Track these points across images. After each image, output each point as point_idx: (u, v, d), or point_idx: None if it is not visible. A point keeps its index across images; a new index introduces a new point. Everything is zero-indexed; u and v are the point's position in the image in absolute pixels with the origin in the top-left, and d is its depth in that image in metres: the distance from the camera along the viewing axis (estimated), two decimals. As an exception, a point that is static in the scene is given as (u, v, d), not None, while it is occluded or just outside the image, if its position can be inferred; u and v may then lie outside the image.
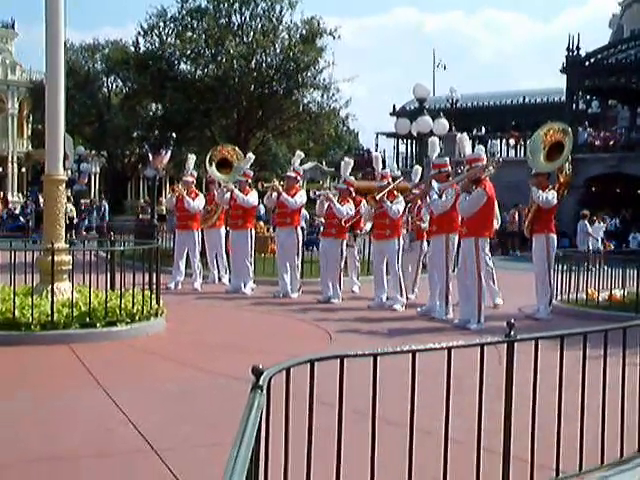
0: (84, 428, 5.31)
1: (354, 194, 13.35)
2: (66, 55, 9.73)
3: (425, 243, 12.58)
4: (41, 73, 35.65)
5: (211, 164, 14.13)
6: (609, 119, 35.52)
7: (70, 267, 9.27)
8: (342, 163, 13.53)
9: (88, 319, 8.53)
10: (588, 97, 34.39)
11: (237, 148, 14.93)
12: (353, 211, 12.58)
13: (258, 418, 2.54)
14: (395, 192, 11.95)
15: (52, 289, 8.52)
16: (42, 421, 5.46)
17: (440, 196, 10.68)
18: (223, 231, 14.23)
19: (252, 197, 13.53)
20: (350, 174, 13.85)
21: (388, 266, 11.86)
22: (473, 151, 10.92)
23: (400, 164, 36.78)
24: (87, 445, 4.94)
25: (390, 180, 12.12)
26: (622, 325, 4.60)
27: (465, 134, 11.52)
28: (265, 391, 2.77)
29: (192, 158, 14.85)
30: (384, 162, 19.49)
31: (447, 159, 11.88)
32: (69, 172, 24.37)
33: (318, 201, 13.04)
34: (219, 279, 14.59)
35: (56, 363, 7.50)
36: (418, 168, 13.14)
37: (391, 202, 11.64)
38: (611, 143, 30.93)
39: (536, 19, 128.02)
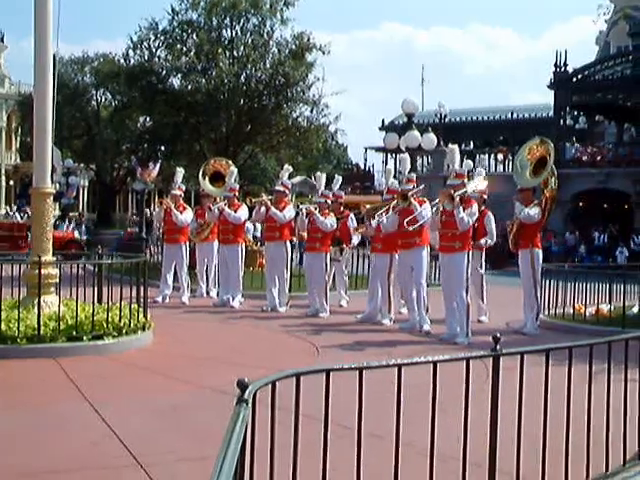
0: (69, 442, 5.28)
1: (342, 208, 13.40)
2: (55, 68, 9.72)
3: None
4: (30, 86, 35.57)
5: (204, 178, 14.19)
6: (596, 135, 35.79)
7: (57, 280, 9.23)
8: (316, 177, 13.66)
9: (75, 332, 8.49)
10: (575, 113, 34.65)
11: (230, 161, 14.99)
12: (335, 224, 12.60)
13: (243, 431, 2.54)
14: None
15: (39, 302, 8.49)
16: (27, 435, 5.43)
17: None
18: (216, 245, 14.19)
19: (242, 213, 13.52)
20: (340, 188, 13.94)
21: (380, 280, 11.82)
22: (461, 165, 10.94)
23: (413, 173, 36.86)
24: (72, 459, 4.91)
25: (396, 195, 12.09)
26: (607, 339, 4.62)
27: (456, 146, 11.53)
28: (250, 404, 2.77)
29: (180, 172, 14.86)
30: (373, 177, 19.72)
31: (414, 175, 11.97)
32: (57, 185, 24.30)
33: (300, 215, 13.05)
34: (207, 293, 14.57)
35: (42, 376, 7.46)
36: (394, 182, 13.13)
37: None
38: (598, 158, 31.18)
39: (524, 35, 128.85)
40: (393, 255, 11.72)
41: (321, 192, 13.13)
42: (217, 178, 14.12)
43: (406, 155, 12.69)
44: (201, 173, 14.39)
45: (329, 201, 12.95)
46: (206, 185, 14.13)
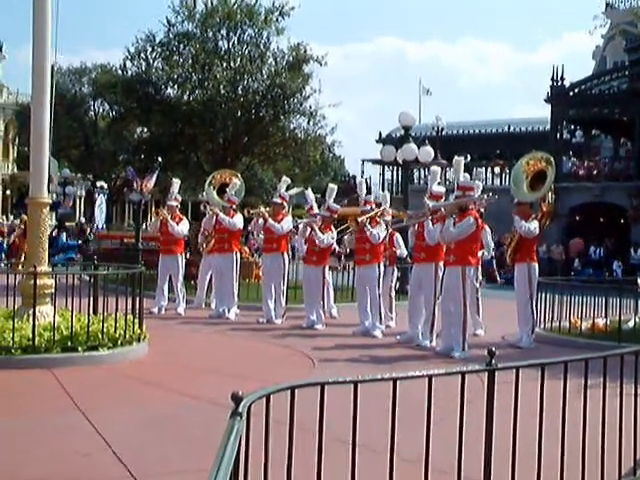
0: (62, 453, 5.25)
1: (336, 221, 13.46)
2: (53, 78, 9.74)
3: (395, 269, 13.05)
4: (28, 96, 35.64)
5: (212, 189, 14.22)
6: (593, 149, 35.90)
7: (52, 290, 9.21)
8: (328, 189, 13.57)
9: (70, 343, 8.47)
10: (572, 127, 34.77)
11: (237, 174, 15.03)
12: (335, 239, 12.64)
13: (236, 445, 2.53)
14: (377, 219, 11.97)
15: (34, 312, 8.47)
16: (20, 446, 5.40)
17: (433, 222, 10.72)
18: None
19: (237, 220, 13.55)
20: (335, 201, 13.93)
21: (369, 292, 11.83)
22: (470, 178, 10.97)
23: (386, 191, 36.92)
24: (65, 471, 4.88)
25: (374, 206, 12.21)
26: (603, 354, 4.62)
27: (462, 159, 11.51)
28: (244, 418, 2.76)
29: (177, 182, 14.87)
30: (369, 189, 19.65)
31: (444, 189, 11.83)
32: (54, 195, 24.31)
33: (300, 227, 13.05)
34: (207, 304, 14.52)
35: (36, 387, 7.44)
36: (386, 194, 13.26)
37: (372, 227, 11.68)
38: (595, 173, 31.28)
39: (519, 49, 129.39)
40: (379, 265, 11.79)
41: (328, 205, 13.08)
42: (224, 190, 14.14)
43: (437, 168, 12.49)
44: (208, 182, 14.47)
45: (335, 215, 12.99)
46: (213, 197, 14.13)
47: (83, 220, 39.85)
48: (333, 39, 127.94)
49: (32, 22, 9.06)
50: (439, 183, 11.79)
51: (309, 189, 14.42)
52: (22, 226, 24.33)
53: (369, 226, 11.65)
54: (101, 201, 17.30)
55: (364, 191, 12.91)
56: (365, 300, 11.89)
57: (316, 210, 13.41)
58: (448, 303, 10.20)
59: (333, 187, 13.50)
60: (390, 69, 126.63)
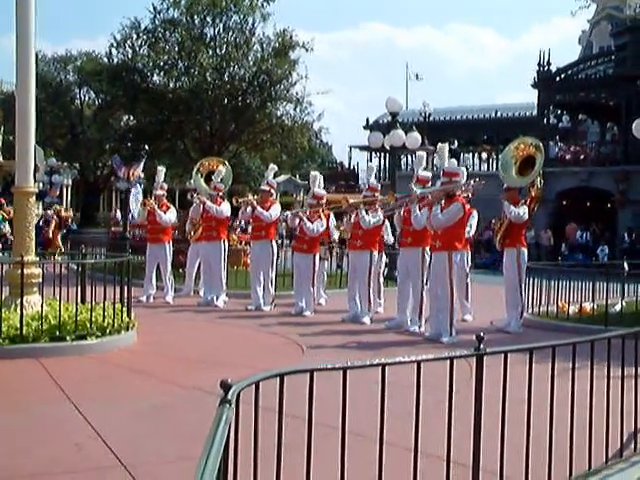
0: (52, 443, 5.24)
1: (324, 208, 13.42)
2: (37, 66, 9.67)
3: (384, 255, 13.04)
4: (12, 84, 35.32)
5: (199, 176, 14.23)
6: (579, 134, 35.94)
7: (40, 280, 9.17)
8: (310, 177, 13.54)
9: (58, 333, 8.44)
10: (559, 112, 34.79)
11: (224, 161, 15.03)
12: (324, 227, 12.60)
13: (226, 432, 2.53)
14: (377, 206, 11.92)
15: (21, 302, 8.43)
16: (9, 436, 5.39)
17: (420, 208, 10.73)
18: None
19: (225, 208, 13.53)
20: (324, 187, 13.92)
21: (359, 278, 11.83)
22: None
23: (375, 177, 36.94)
24: (55, 461, 4.87)
25: (377, 194, 12.17)
26: (590, 338, 4.65)
27: (446, 145, 11.54)
28: (234, 405, 2.76)
29: (162, 171, 14.81)
30: (357, 176, 19.77)
31: (430, 175, 11.85)
32: (40, 184, 24.13)
33: (289, 216, 13.01)
34: (196, 292, 14.52)
35: (25, 377, 7.42)
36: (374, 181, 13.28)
37: (368, 214, 11.63)
38: (581, 157, 31.33)
39: (505, 35, 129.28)
40: (373, 253, 11.78)
41: (314, 192, 13.07)
42: (212, 179, 14.13)
43: (422, 153, 12.52)
44: (195, 170, 14.49)
45: (322, 202, 12.96)
46: (200, 184, 14.14)
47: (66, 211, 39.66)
48: (320, 26, 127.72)
49: (15, 10, 8.97)
50: (425, 168, 11.78)
51: (313, 172, 14.17)
52: (55, 217, 24.43)
53: (363, 211, 11.58)
54: (138, 190, 17.28)
55: (373, 177, 12.98)
56: (355, 286, 11.89)
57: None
58: (436, 288, 10.23)
59: (315, 174, 13.45)
60: (378, 55, 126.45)
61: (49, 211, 27.52)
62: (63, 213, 29.69)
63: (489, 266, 23.63)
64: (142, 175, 21.84)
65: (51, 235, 23.62)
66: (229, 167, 14.64)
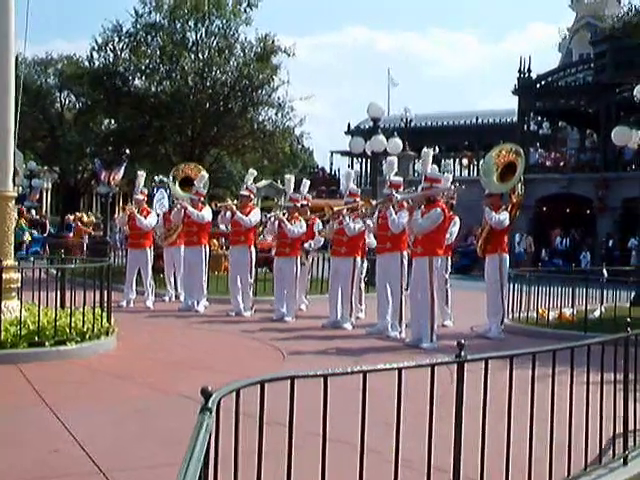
0: (29, 449, 5.18)
1: (309, 212, 13.44)
2: (17, 69, 9.59)
3: (365, 261, 13.04)
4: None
5: (174, 183, 14.26)
6: (559, 140, 36.24)
7: (19, 285, 9.10)
8: (285, 180, 13.61)
9: (37, 338, 8.37)
10: (539, 118, 35.05)
11: (201, 167, 15.03)
12: (304, 228, 12.58)
13: (206, 440, 2.52)
14: (359, 212, 11.90)
15: (0, 307, 8.35)
16: (-13, 443, 5.33)
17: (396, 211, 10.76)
18: (183, 249, 14.12)
19: (206, 213, 13.51)
20: (307, 192, 13.97)
21: (341, 284, 11.81)
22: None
23: (354, 182, 37.01)
24: (33, 467, 4.82)
25: (358, 199, 12.18)
26: (570, 345, 4.67)
27: (431, 150, 11.63)
28: (214, 413, 2.74)
29: (142, 175, 14.76)
30: (339, 181, 19.77)
31: (401, 179, 11.90)
32: (19, 188, 24.03)
33: (269, 221, 12.99)
34: (176, 297, 14.49)
35: (2, 383, 7.34)
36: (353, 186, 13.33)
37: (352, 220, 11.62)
38: (561, 164, 31.58)
39: (486, 40, 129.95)
40: (356, 259, 11.77)
41: (290, 196, 13.13)
42: (187, 182, 14.14)
43: (394, 158, 12.58)
44: (171, 177, 14.50)
45: (298, 204, 12.96)
46: (176, 190, 14.20)
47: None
48: (302, 30, 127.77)
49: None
50: (396, 173, 11.81)
51: (287, 175, 14.37)
52: (79, 223, 24.39)
53: (348, 218, 11.56)
54: (162, 195, 17.01)
55: (351, 183, 13.02)
56: (336, 292, 11.87)
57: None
58: (416, 294, 10.25)
59: (290, 177, 13.73)
60: (359, 59, 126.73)
61: (70, 216, 27.49)
62: (85, 219, 29.55)
63: (460, 270, 23.41)
64: (164, 179, 21.85)
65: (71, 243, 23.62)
66: (205, 172, 14.64)
